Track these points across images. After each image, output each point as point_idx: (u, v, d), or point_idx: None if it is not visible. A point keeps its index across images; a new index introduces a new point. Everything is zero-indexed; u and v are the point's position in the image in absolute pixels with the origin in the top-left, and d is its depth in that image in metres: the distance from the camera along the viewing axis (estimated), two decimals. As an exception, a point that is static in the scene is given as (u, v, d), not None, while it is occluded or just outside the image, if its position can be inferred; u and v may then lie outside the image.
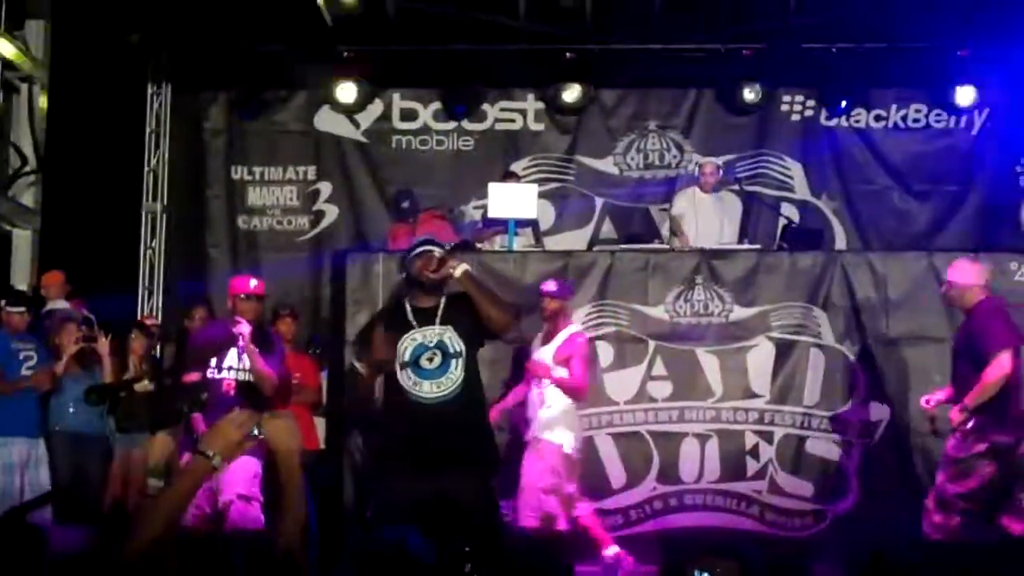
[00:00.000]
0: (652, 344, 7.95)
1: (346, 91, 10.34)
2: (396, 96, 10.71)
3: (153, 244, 10.52)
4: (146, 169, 10.58)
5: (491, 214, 8.93)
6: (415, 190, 10.11)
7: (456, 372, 5.39)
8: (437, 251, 5.47)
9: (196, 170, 10.72)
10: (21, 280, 9.76)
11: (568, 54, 10.32)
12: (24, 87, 9.96)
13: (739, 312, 7.99)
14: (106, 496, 7.91)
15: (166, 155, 10.63)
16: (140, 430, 8.07)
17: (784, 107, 10.71)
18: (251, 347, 6.39)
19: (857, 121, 10.65)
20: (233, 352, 6.45)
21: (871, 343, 7.92)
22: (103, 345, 7.82)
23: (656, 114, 10.76)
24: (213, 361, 6.46)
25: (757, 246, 8.82)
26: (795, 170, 10.69)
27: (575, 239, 10.41)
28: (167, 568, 3.03)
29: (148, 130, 10.61)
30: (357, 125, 10.71)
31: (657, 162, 10.72)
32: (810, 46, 10.14)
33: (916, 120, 10.65)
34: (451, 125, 10.70)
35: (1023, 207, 10.50)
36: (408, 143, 10.71)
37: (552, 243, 10.02)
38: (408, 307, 5.49)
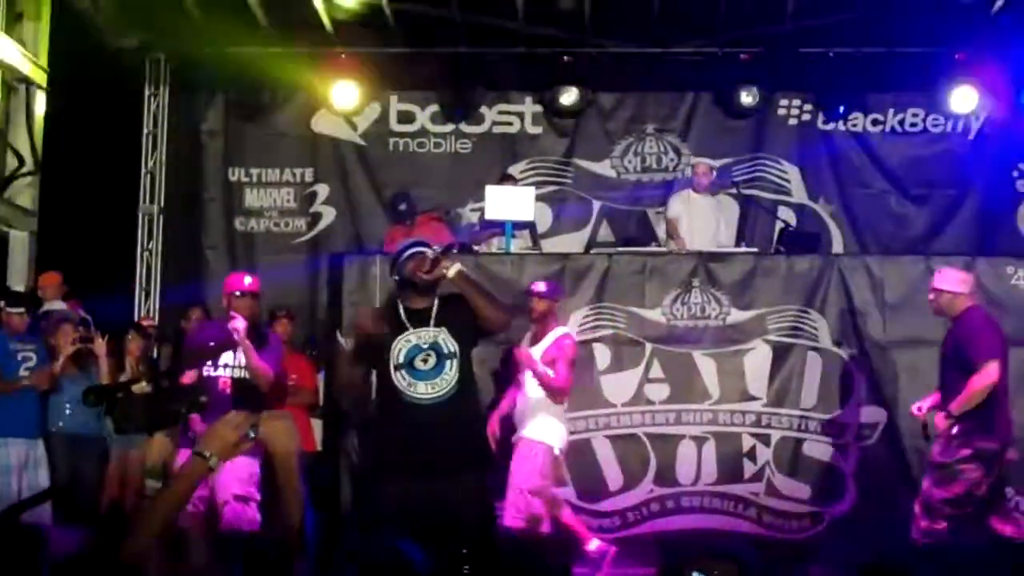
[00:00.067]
0: (649, 347, 7.95)
1: (344, 93, 10.34)
2: (394, 99, 10.71)
3: (150, 246, 10.51)
4: (143, 171, 10.56)
5: (488, 216, 8.94)
6: (412, 192, 10.12)
7: (451, 373, 5.38)
8: (430, 252, 5.46)
9: (193, 172, 10.72)
10: (18, 281, 9.74)
11: (566, 57, 10.32)
12: (22, 88, 9.95)
13: (736, 315, 8.01)
14: (103, 497, 7.91)
15: (163, 157, 10.61)
16: (137, 431, 8.06)
17: (781, 111, 10.72)
18: (246, 342, 6.38)
19: (854, 125, 10.66)
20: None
21: (868, 346, 7.95)
22: (100, 346, 7.82)
23: (653, 117, 10.77)
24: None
25: (754, 249, 8.83)
26: (792, 174, 10.70)
27: (572, 242, 10.41)
28: (163, 568, 3.03)
29: (145, 132, 10.59)
30: (355, 127, 10.71)
31: (654, 165, 10.73)
32: (807, 50, 10.16)
33: (913, 124, 10.66)
34: (449, 128, 10.70)
35: (1020, 211, 10.53)
36: (406, 146, 10.71)
37: (549, 246, 10.02)
38: (402, 308, 5.49)
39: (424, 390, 5.37)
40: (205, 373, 6.47)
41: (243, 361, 6.42)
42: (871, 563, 3.74)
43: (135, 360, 8.20)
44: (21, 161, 9.91)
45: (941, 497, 6.43)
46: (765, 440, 7.91)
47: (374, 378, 5.57)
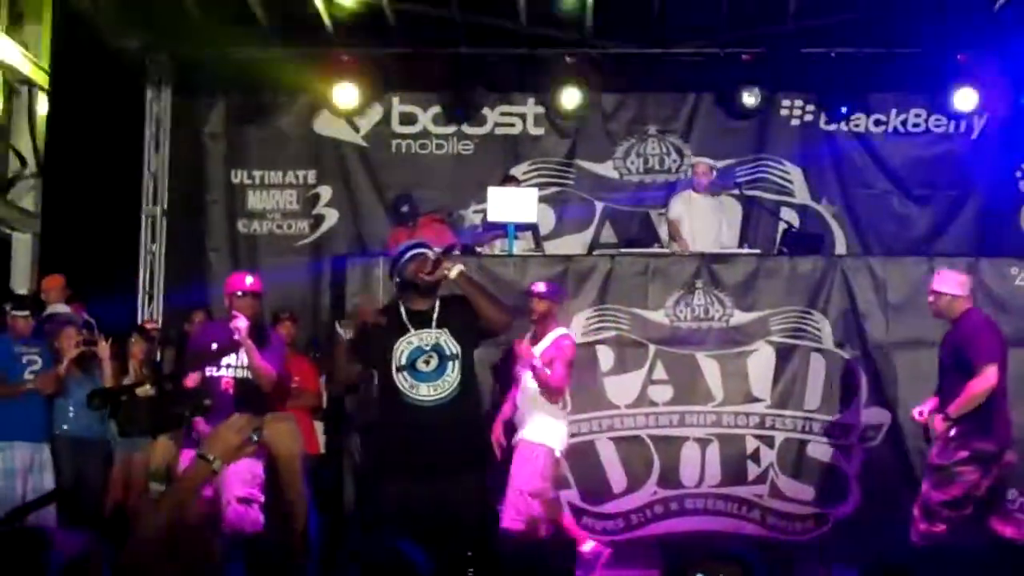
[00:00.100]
0: (652, 348, 7.95)
1: (345, 95, 10.33)
2: (396, 100, 10.70)
3: (153, 248, 10.51)
4: (146, 173, 10.56)
5: (491, 218, 8.93)
6: (415, 194, 10.12)
7: (453, 374, 5.39)
8: (431, 253, 5.46)
9: (196, 174, 10.71)
10: (21, 284, 9.76)
11: (568, 58, 10.32)
12: (24, 90, 9.96)
13: (739, 316, 8.00)
14: (107, 500, 7.91)
15: (166, 159, 10.61)
16: (141, 434, 8.05)
17: (784, 111, 10.71)
18: (248, 342, 6.38)
19: (857, 126, 10.65)
20: (231, 350, 6.47)
21: (871, 348, 7.94)
22: (103, 349, 7.81)
23: (656, 118, 10.76)
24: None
25: (757, 251, 8.82)
26: (795, 174, 10.69)
27: (575, 243, 10.40)
28: (167, 570, 3.03)
29: (148, 134, 10.59)
30: (357, 129, 10.70)
31: (657, 166, 10.72)
32: (810, 51, 10.14)
33: (916, 125, 10.65)
34: (451, 129, 10.69)
35: (1022, 211, 10.52)
36: (408, 147, 10.70)
37: (552, 247, 10.00)
38: (403, 310, 5.48)
39: (426, 392, 5.37)
40: (207, 373, 6.48)
41: (245, 361, 6.43)
42: (871, 563, 3.74)
43: (139, 363, 8.19)
44: (23, 163, 9.92)
45: (939, 499, 6.43)
46: (769, 442, 7.90)
47: (376, 380, 5.58)
